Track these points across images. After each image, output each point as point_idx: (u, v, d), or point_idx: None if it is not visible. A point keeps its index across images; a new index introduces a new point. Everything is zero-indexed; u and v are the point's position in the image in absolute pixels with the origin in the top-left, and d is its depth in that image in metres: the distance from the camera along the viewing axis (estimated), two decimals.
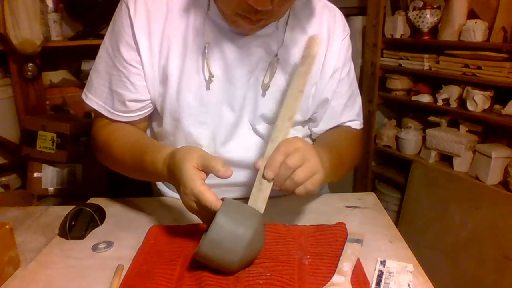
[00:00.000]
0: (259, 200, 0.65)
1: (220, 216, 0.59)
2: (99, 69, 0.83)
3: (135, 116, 0.84)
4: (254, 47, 0.79)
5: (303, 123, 0.91)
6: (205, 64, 0.78)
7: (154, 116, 0.88)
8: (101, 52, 0.83)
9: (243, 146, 0.84)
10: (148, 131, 0.91)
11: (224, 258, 0.59)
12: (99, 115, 0.85)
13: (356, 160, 0.92)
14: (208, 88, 0.79)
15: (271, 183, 0.65)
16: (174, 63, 0.78)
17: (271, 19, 0.73)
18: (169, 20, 0.78)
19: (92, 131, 0.89)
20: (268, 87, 0.80)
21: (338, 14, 0.87)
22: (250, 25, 0.71)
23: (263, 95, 0.81)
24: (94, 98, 0.84)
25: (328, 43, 0.84)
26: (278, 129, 0.69)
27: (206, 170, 0.65)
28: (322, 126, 0.91)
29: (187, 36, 0.78)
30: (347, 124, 0.92)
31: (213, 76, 0.78)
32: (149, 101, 0.83)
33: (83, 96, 0.86)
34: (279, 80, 0.81)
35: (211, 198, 0.62)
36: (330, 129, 0.92)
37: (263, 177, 0.65)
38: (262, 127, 0.84)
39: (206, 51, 0.77)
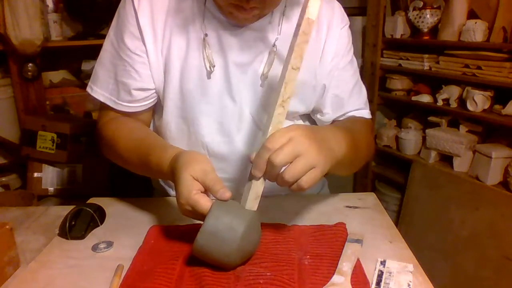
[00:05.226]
0: (250, 198, 0.63)
1: (214, 208, 0.60)
2: (104, 62, 0.85)
3: (140, 106, 0.85)
4: (252, 38, 0.80)
5: (306, 116, 0.92)
6: (205, 54, 0.79)
7: (157, 109, 0.89)
8: (106, 45, 0.85)
9: (249, 140, 0.85)
10: (151, 125, 0.92)
11: (221, 249, 0.60)
12: (105, 107, 0.87)
13: (370, 148, 0.89)
14: (208, 77, 0.81)
15: (261, 181, 0.63)
16: (176, 53, 0.80)
17: (265, 8, 0.74)
18: (171, 10, 0.80)
19: (97, 126, 0.90)
20: (267, 77, 0.81)
21: (337, 5, 0.87)
22: (244, 14, 0.72)
23: (262, 85, 0.82)
24: (100, 90, 0.85)
25: (327, 32, 0.84)
26: (269, 118, 0.64)
27: (204, 186, 0.63)
28: (329, 115, 0.90)
29: (188, 26, 0.80)
30: (355, 112, 0.91)
31: (214, 66, 0.80)
32: (153, 91, 0.84)
33: (88, 89, 0.87)
34: (277, 70, 0.81)
35: (206, 205, 0.61)
36: (340, 119, 0.91)
37: (251, 176, 0.63)
38: (265, 119, 0.85)
39: (205, 41, 0.79)
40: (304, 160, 0.59)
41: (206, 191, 0.64)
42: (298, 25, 0.63)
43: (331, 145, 0.65)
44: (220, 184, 0.62)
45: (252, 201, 0.64)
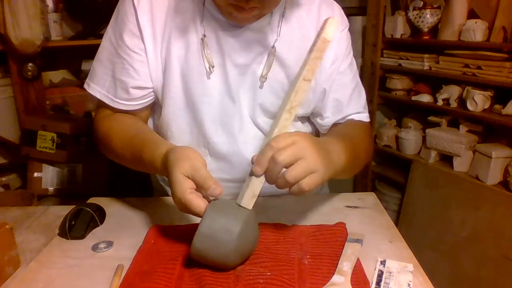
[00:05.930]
0: (246, 196, 0.63)
1: (209, 210, 0.60)
2: (102, 59, 0.85)
3: (137, 104, 0.85)
4: (251, 39, 0.80)
5: (305, 118, 0.91)
6: (204, 55, 0.79)
7: (157, 109, 0.89)
8: (104, 42, 0.85)
9: (251, 141, 0.85)
10: (150, 121, 0.92)
11: (218, 251, 0.60)
12: (101, 104, 0.87)
13: (369, 153, 0.90)
14: (208, 77, 0.81)
15: (261, 180, 0.63)
16: (176, 53, 0.80)
17: (265, 8, 0.73)
18: (170, 10, 0.80)
19: (94, 122, 0.90)
20: (266, 79, 0.81)
21: (336, 7, 0.87)
22: (243, 14, 0.72)
23: (261, 87, 0.82)
24: (97, 87, 0.85)
25: None
26: (275, 122, 0.66)
27: (195, 183, 0.63)
28: (329, 119, 0.89)
29: (187, 26, 0.80)
30: (354, 116, 0.91)
31: (213, 67, 0.80)
32: (151, 90, 0.84)
33: (85, 86, 0.87)
34: (276, 72, 0.82)
35: (200, 207, 0.61)
36: (339, 123, 0.91)
37: (252, 172, 0.63)
38: (263, 120, 0.85)
39: (204, 42, 0.79)
40: (305, 163, 0.60)
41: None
42: (314, 43, 0.66)
43: (332, 158, 0.67)
44: (210, 181, 0.62)
45: (249, 199, 0.64)
